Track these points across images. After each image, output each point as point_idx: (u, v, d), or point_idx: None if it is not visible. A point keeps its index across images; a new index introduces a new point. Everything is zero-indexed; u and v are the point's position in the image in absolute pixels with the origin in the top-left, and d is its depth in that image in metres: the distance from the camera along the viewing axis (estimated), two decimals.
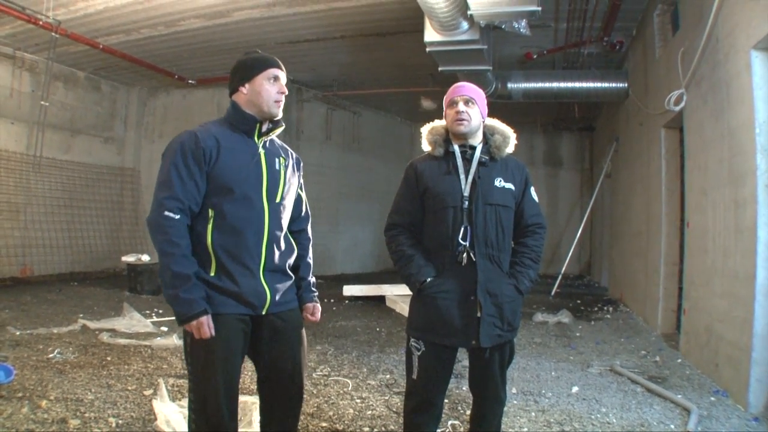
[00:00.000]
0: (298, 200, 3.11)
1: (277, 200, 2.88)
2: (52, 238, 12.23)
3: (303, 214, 3.18)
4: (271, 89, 2.83)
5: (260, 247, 2.80)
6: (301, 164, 3.17)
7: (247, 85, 2.84)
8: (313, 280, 3.19)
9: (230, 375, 2.73)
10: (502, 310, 3.04)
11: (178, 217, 2.63)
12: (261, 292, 2.78)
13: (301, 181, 3.16)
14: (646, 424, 4.42)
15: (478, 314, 3.00)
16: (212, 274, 2.72)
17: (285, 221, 2.96)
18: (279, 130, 2.96)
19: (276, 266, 2.88)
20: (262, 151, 2.87)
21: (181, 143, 2.72)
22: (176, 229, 2.63)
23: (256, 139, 2.88)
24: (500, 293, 3.05)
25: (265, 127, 2.89)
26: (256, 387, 4.66)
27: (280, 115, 2.90)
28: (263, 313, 2.80)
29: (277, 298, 2.84)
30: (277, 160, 2.93)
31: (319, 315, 3.16)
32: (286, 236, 2.98)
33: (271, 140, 2.98)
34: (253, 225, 2.78)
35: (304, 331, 3.04)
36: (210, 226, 2.73)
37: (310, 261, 3.20)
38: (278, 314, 2.86)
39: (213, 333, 2.61)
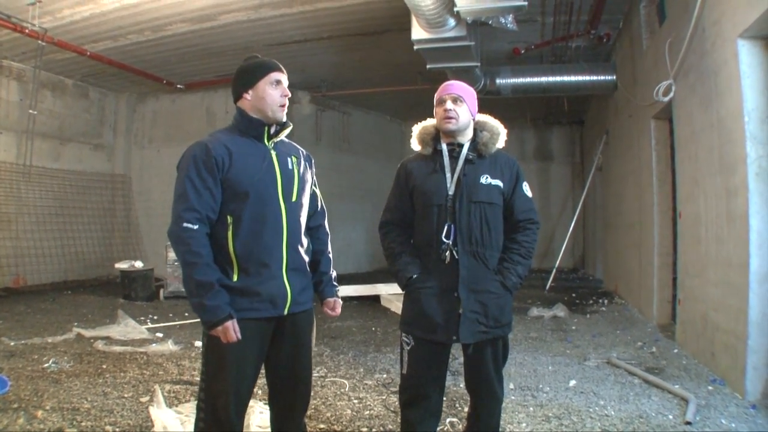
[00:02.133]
0: (313, 197, 3.18)
1: (294, 199, 2.94)
2: (45, 247, 12.18)
3: (319, 209, 3.26)
4: (274, 93, 2.88)
5: (281, 247, 2.86)
6: (313, 161, 3.24)
7: (250, 92, 2.89)
8: (334, 274, 3.26)
9: (242, 379, 2.80)
10: (486, 307, 3.06)
11: (196, 227, 2.69)
12: (283, 291, 2.85)
13: (314, 178, 3.23)
14: (644, 415, 4.43)
15: (460, 311, 3.03)
16: (235, 278, 2.77)
17: (303, 219, 3.03)
18: (287, 131, 3.01)
19: (297, 265, 2.94)
20: (273, 153, 2.92)
21: (193, 155, 2.78)
22: (196, 239, 2.68)
23: (266, 141, 2.93)
24: (484, 290, 3.08)
25: (273, 130, 2.94)
26: (257, 390, 4.66)
27: (285, 118, 2.95)
28: (285, 312, 2.86)
29: (297, 296, 2.91)
30: (289, 159, 2.99)
31: (339, 310, 3.23)
32: (304, 234, 3.05)
33: (281, 140, 3.03)
34: (273, 226, 2.83)
35: (314, 330, 3.12)
36: (230, 233, 2.78)
37: (330, 256, 3.27)
38: (297, 314, 2.93)
39: (239, 336, 2.67)
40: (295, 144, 3.19)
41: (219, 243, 2.78)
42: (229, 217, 2.78)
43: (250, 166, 2.83)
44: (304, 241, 3.04)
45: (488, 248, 3.13)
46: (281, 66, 2.96)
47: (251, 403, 4.17)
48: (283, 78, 2.93)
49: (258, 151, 2.89)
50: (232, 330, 2.65)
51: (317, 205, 3.24)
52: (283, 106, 2.90)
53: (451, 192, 3.12)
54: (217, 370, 2.77)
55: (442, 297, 3.08)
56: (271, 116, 2.89)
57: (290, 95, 2.95)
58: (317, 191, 3.26)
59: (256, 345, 2.83)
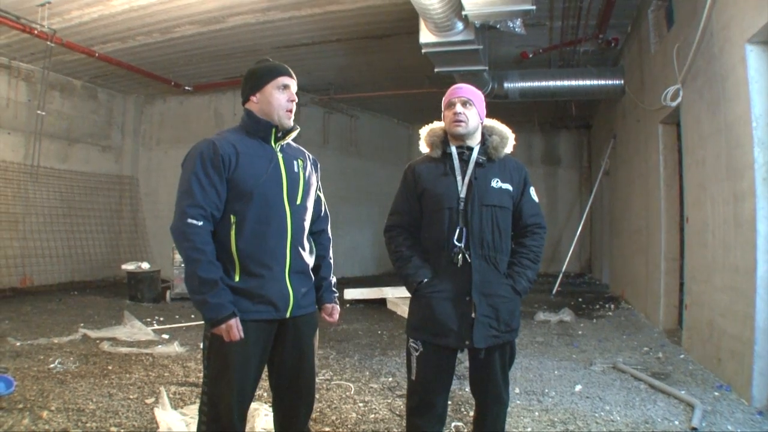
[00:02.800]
0: (317, 201, 3.19)
1: (298, 202, 2.94)
2: (52, 248, 12.22)
3: (322, 214, 3.26)
4: (280, 98, 2.89)
5: (284, 250, 2.86)
6: (318, 165, 3.25)
7: (257, 95, 2.91)
8: (333, 280, 3.26)
9: (244, 380, 2.80)
10: (498, 311, 3.04)
11: (201, 224, 2.69)
12: (285, 294, 2.85)
13: (319, 182, 3.24)
14: (650, 420, 4.41)
15: (473, 315, 3.00)
16: (237, 279, 2.78)
17: (307, 222, 3.03)
18: (294, 134, 3.03)
19: (300, 268, 2.95)
20: (279, 155, 2.93)
21: (200, 152, 2.78)
22: (200, 236, 2.68)
23: (272, 143, 2.94)
24: (496, 294, 3.05)
25: (280, 132, 2.95)
26: (263, 392, 4.66)
27: (292, 123, 2.95)
28: (287, 315, 2.86)
29: (300, 300, 2.91)
30: (295, 162, 3.00)
31: (337, 316, 3.23)
32: (308, 238, 3.06)
33: (288, 143, 3.05)
34: (276, 228, 2.84)
35: (317, 333, 3.12)
36: (233, 232, 2.78)
37: (331, 261, 3.27)
38: (299, 317, 2.94)
39: (242, 335, 2.68)
40: (301, 147, 3.20)
41: (221, 242, 2.78)
42: (232, 217, 2.78)
43: (257, 166, 2.83)
44: (308, 244, 3.04)
45: (499, 252, 3.12)
46: (291, 71, 2.96)
47: (257, 405, 4.20)
48: (292, 83, 2.93)
49: (265, 152, 2.89)
50: (235, 328, 2.66)
51: (321, 209, 3.24)
52: (289, 110, 2.90)
53: (462, 195, 3.09)
54: (220, 373, 2.76)
55: (454, 301, 3.04)
56: (277, 120, 2.89)
57: (297, 100, 2.94)
58: (321, 196, 3.25)
59: (259, 347, 2.82)
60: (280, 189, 2.87)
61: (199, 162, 2.75)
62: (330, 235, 3.31)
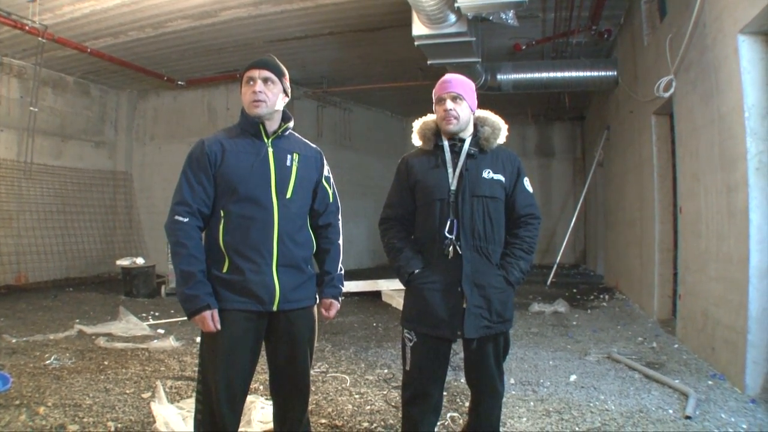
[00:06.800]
0: (322, 195, 3.19)
1: (288, 195, 2.96)
2: (46, 245, 12.19)
3: (329, 208, 3.24)
4: (246, 91, 2.94)
5: (271, 243, 2.89)
6: (323, 158, 3.24)
7: (241, 92, 2.99)
8: (339, 274, 3.25)
9: (232, 368, 2.84)
10: (490, 302, 3.05)
11: (186, 219, 2.83)
12: (270, 287, 2.87)
13: (327, 174, 3.23)
14: (644, 409, 4.44)
15: (464, 305, 3.02)
16: (224, 271, 2.86)
17: (300, 216, 3.04)
18: (289, 125, 3.07)
19: (290, 262, 2.95)
20: (270, 150, 2.96)
21: (191, 152, 2.95)
22: (184, 231, 2.82)
23: (264, 138, 2.97)
24: (488, 284, 3.06)
25: (271, 127, 2.99)
26: (259, 385, 4.67)
27: (261, 112, 2.91)
28: (274, 308, 2.89)
29: (288, 293, 2.92)
30: (289, 156, 3.01)
31: (334, 312, 3.23)
32: (303, 231, 3.06)
33: (287, 137, 3.08)
34: (262, 222, 2.87)
35: (316, 328, 3.13)
36: (221, 226, 2.88)
37: (337, 255, 3.26)
38: (292, 312, 2.96)
39: (218, 327, 2.76)
40: (305, 141, 3.19)
41: (212, 236, 2.88)
42: (221, 212, 2.88)
43: (242, 162, 2.89)
44: (302, 237, 3.03)
45: (491, 243, 3.12)
46: (266, 62, 2.96)
47: (253, 398, 4.20)
48: (257, 73, 2.91)
49: (253, 148, 2.94)
50: (209, 319, 2.74)
51: (327, 202, 3.22)
52: (254, 102, 2.89)
53: (453, 187, 3.10)
54: (209, 361, 2.86)
55: (445, 292, 3.06)
56: (248, 113, 2.94)
57: (261, 90, 2.89)
58: (328, 189, 3.23)
59: (249, 338, 2.88)
60: (268, 183, 2.90)
61: (188, 162, 2.92)
62: (339, 228, 3.29)
